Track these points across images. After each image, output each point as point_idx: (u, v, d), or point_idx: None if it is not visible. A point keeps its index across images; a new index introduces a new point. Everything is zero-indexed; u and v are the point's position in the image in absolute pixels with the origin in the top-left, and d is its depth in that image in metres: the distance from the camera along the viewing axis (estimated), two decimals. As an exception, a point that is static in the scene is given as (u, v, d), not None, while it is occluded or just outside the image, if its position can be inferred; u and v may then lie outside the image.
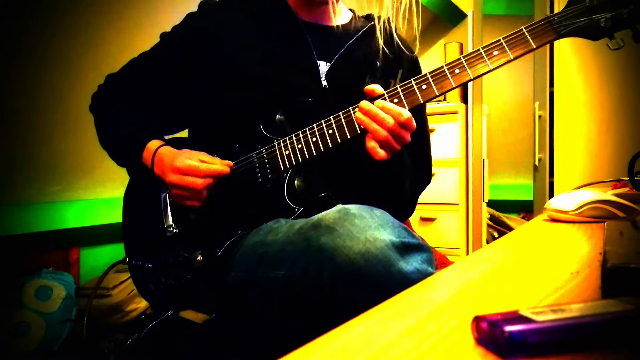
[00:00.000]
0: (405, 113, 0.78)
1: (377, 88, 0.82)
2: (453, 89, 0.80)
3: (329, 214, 0.66)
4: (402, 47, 1.01)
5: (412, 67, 1.03)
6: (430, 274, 0.60)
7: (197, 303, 0.95)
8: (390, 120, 0.78)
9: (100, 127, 1.02)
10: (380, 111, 0.79)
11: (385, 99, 0.81)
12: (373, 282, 0.58)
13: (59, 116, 1.70)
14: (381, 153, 0.79)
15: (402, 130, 0.79)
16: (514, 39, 0.77)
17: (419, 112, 0.89)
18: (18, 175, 1.73)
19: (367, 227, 0.62)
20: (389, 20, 0.99)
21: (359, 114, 0.81)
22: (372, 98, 0.82)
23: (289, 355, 0.29)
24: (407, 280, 0.58)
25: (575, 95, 2.35)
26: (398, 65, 0.98)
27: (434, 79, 0.80)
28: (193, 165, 0.85)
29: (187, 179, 0.86)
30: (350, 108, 0.83)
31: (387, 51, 0.98)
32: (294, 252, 0.67)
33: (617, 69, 2.28)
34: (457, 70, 0.79)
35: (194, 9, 1.00)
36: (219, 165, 0.87)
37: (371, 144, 0.80)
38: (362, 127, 0.81)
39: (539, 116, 2.37)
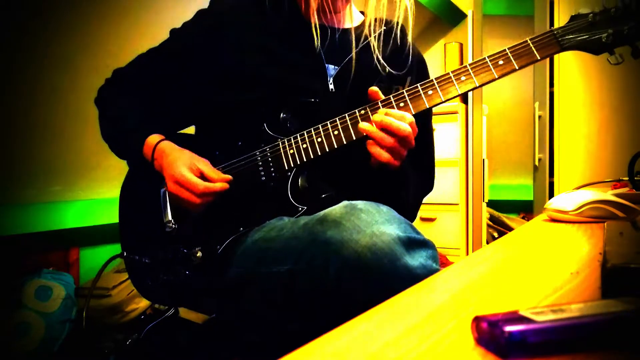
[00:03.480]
0: (408, 116, 0.80)
1: (379, 92, 0.83)
2: (458, 95, 0.81)
3: (335, 209, 0.66)
4: (412, 52, 1.01)
5: (421, 72, 1.02)
6: (434, 270, 0.61)
7: (196, 300, 0.95)
8: (399, 127, 0.78)
9: (104, 119, 1.02)
10: (386, 117, 0.79)
11: (391, 103, 0.82)
12: (378, 275, 0.58)
13: (59, 116, 1.70)
14: (385, 155, 0.80)
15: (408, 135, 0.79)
16: (519, 50, 0.79)
17: (424, 117, 0.89)
18: (18, 175, 1.72)
19: (374, 221, 0.62)
20: (399, 24, 0.99)
21: (362, 125, 0.81)
22: (376, 102, 0.83)
23: (289, 355, 0.29)
24: (412, 275, 0.58)
25: (575, 96, 2.35)
26: (407, 71, 0.98)
27: (440, 85, 0.81)
28: (192, 181, 0.85)
29: (185, 193, 0.86)
30: (356, 110, 0.83)
31: (397, 56, 0.98)
32: (299, 246, 0.67)
33: (617, 70, 2.28)
34: (463, 77, 0.80)
35: (193, 9, 1.00)
36: (218, 184, 0.87)
37: (375, 149, 0.80)
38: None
39: (539, 116, 2.37)
